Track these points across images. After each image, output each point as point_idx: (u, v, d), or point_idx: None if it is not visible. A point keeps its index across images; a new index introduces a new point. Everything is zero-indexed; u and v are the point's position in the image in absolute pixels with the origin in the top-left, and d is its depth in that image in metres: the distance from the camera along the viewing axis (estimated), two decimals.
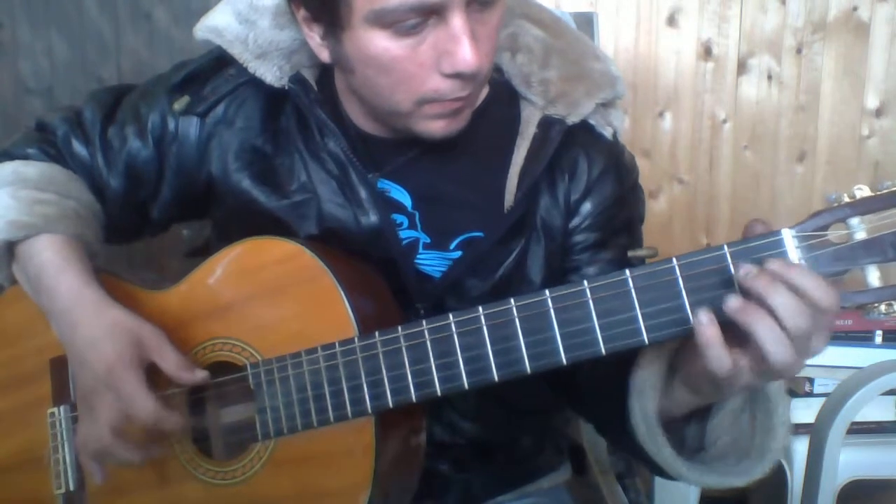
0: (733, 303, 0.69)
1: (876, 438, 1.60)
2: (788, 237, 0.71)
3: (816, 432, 1.31)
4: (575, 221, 1.00)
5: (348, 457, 0.86)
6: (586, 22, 1.58)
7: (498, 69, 1.01)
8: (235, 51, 0.99)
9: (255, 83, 1.00)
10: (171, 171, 1.04)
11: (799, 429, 1.53)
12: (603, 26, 1.91)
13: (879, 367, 1.36)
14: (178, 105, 1.02)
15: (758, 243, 0.71)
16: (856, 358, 1.62)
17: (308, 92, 0.98)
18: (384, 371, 0.82)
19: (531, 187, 0.96)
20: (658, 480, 1.45)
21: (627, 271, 0.74)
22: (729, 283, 0.71)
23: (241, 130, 1.01)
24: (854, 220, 0.70)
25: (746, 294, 0.69)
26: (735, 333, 0.70)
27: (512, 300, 0.78)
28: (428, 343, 0.80)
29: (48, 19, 1.95)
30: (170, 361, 0.87)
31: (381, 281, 0.93)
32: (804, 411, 1.57)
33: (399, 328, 0.82)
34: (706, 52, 2.07)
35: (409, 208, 0.98)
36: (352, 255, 0.94)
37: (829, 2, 2.04)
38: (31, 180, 0.98)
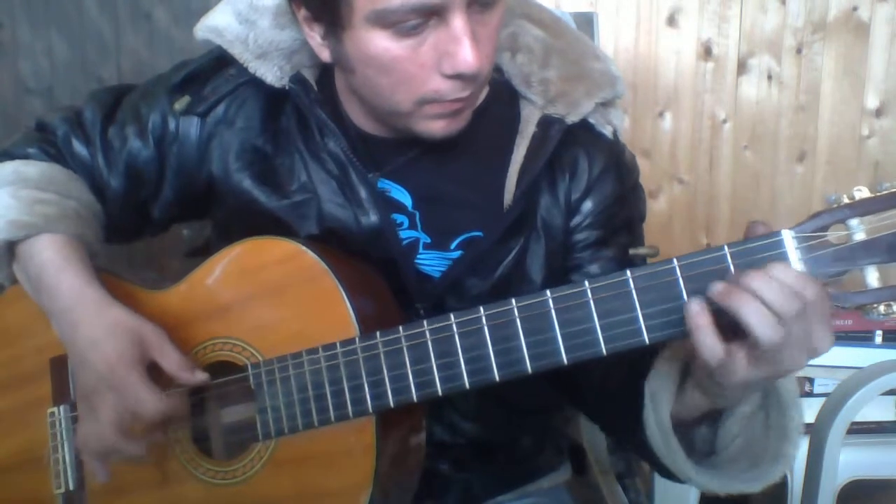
0: (718, 286, 0.70)
1: (876, 438, 1.59)
2: (788, 238, 0.71)
3: (816, 432, 1.31)
4: (576, 220, 1.00)
5: (349, 457, 0.86)
6: (586, 22, 1.58)
7: (498, 69, 1.01)
8: (236, 51, 1.00)
9: (256, 83, 1.00)
10: (171, 171, 1.04)
11: None
12: (603, 26, 1.91)
13: (879, 367, 1.36)
14: (179, 105, 1.02)
15: (758, 244, 0.71)
16: (856, 358, 1.62)
17: (308, 92, 0.98)
18: (385, 371, 0.82)
19: (530, 186, 0.96)
20: (658, 480, 1.45)
21: (628, 272, 0.74)
22: None
23: (242, 130, 1.01)
24: (853, 222, 0.70)
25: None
26: (732, 328, 0.71)
27: (513, 300, 0.78)
28: (429, 343, 0.80)
29: (48, 19, 1.95)
30: (171, 361, 0.88)
31: (382, 281, 0.93)
32: (804, 411, 1.57)
33: (400, 328, 0.82)
34: (706, 52, 2.07)
35: (410, 208, 0.98)
36: (352, 255, 0.94)
37: (829, 2, 2.04)
38: (31, 180, 0.98)
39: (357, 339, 0.83)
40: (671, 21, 2.06)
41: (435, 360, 0.80)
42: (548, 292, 0.77)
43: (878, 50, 2.05)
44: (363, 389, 0.83)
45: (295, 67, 0.99)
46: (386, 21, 0.82)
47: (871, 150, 2.10)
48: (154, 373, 0.88)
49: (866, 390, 1.31)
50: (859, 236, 0.70)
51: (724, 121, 2.10)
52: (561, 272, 1.00)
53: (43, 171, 1.00)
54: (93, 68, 1.97)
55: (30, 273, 0.95)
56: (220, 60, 1.02)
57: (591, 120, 1.00)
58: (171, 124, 1.02)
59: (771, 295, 0.68)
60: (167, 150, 1.03)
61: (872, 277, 0.71)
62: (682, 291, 0.73)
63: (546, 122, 0.97)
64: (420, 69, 0.85)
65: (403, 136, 0.96)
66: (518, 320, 0.77)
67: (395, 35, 0.83)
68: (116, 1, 1.95)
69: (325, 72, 1.01)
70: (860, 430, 1.57)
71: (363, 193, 0.97)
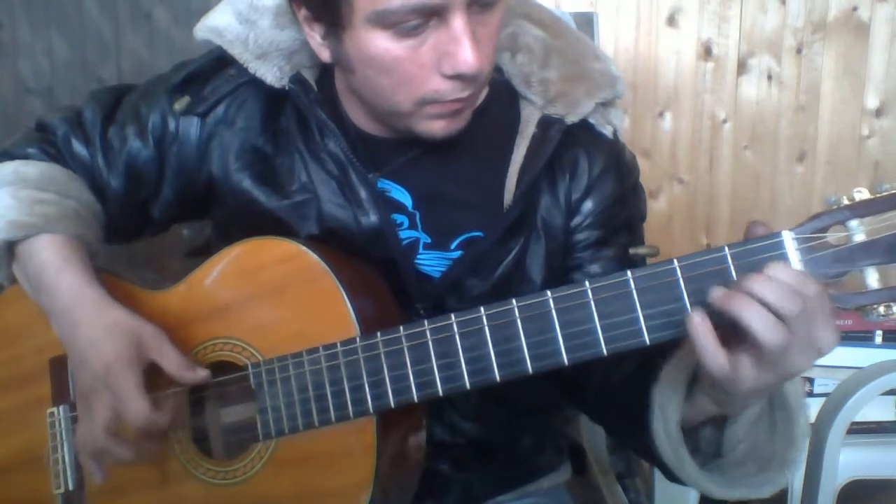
0: (718, 292, 0.70)
1: (876, 438, 1.59)
2: (788, 239, 0.71)
3: (816, 432, 1.31)
4: (576, 220, 1.00)
5: (349, 457, 0.86)
6: (586, 22, 1.58)
7: (498, 69, 1.01)
8: (236, 51, 1.00)
9: (256, 83, 1.00)
10: (171, 171, 1.04)
11: None
12: (603, 26, 1.91)
13: (879, 367, 1.36)
14: (179, 105, 1.02)
15: (758, 245, 0.71)
16: (856, 358, 1.62)
17: (308, 92, 0.98)
18: (386, 371, 0.82)
19: (530, 186, 0.96)
20: (658, 480, 1.45)
21: (629, 272, 0.74)
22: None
23: (242, 130, 1.01)
24: (853, 223, 0.70)
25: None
26: (734, 333, 0.70)
27: (514, 300, 0.78)
28: (430, 343, 0.80)
29: (48, 19, 1.95)
30: (171, 361, 0.87)
31: (382, 281, 0.93)
32: None
33: (401, 328, 0.82)
34: (706, 52, 2.07)
35: (410, 208, 0.98)
36: (352, 256, 0.94)
37: (829, 2, 2.04)
38: (31, 180, 0.98)
39: (358, 339, 0.83)
40: (671, 21, 2.06)
41: (436, 361, 0.80)
42: (548, 292, 0.77)
43: (878, 50, 2.05)
44: (364, 389, 0.83)
45: (295, 68, 0.99)
46: (386, 21, 0.82)
47: (871, 151, 2.10)
48: (154, 373, 0.88)
49: (866, 390, 1.31)
50: (859, 237, 0.70)
51: (724, 121, 2.10)
52: (561, 272, 1.00)
53: (43, 171, 1.00)
54: (93, 68, 1.97)
55: (29, 273, 0.95)
56: (220, 61, 1.02)
57: (591, 120, 1.00)
58: (171, 124, 1.02)
59: (771, 296, 0.68)
60: (167, 151, 1.03)
61: (872, 278, 0.71)
62: (682, 292, 0.73)
63: (546, 123, 0.97)
64: (420, 69, 0.85)
65: (403, 137, 0.96)
66: (519, 320, 0.77)
67: (396, 35, 0.83)
68: (116, 1, 1.95)
69: (325, 72, 1.01)
70: (860, 430, 1.57)
71: (363, 194, 0.97)
